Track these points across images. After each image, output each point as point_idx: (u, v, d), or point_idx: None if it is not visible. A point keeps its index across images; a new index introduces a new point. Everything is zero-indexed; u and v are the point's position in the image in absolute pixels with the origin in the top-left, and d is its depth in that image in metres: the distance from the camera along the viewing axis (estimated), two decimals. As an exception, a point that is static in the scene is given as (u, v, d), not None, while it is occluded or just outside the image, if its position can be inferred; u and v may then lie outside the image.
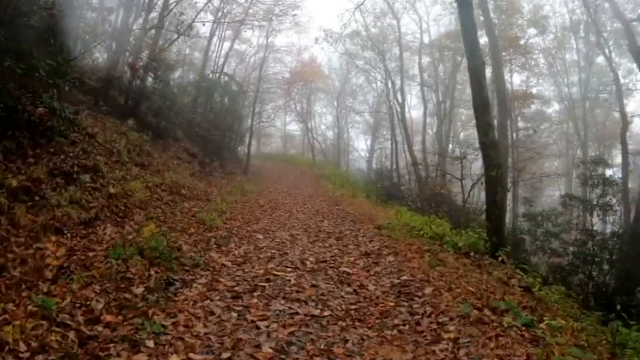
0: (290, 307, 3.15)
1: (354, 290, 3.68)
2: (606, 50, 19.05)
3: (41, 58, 5.66)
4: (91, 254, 4.16)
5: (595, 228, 12.03)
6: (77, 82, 12.43)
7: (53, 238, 4.18)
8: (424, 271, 4.45)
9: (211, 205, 7.83)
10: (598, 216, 11.85)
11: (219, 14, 17.85)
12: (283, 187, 15.29)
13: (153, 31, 14.20)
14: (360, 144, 38.95)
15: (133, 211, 5.86)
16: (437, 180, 16.64)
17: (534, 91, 23.63)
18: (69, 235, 4.49)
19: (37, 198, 4.62)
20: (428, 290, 3.76)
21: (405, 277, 4.12)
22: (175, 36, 14.43)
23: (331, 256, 4.84)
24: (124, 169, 7.39)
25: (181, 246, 4.46)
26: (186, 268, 3.82)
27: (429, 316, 3.18)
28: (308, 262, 4.45)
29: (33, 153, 5.36)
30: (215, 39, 23.76)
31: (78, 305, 2.83)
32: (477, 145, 8.16)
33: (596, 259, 9.27)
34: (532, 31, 21.59)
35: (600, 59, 23.00)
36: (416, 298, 3.58)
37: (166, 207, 6.94)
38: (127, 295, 3.09)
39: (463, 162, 12.51)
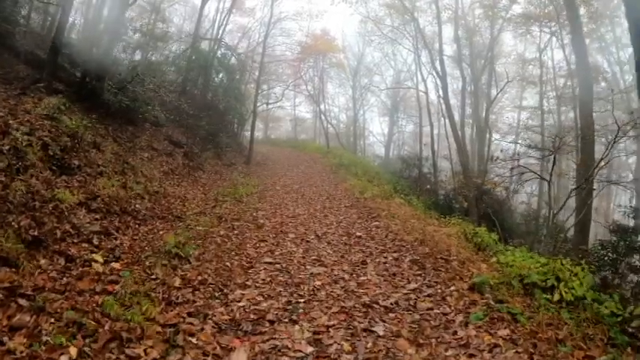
0: None
1: None
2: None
3: None
4: None
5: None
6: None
7: None
8: None
9: (173, 237, 4.60)
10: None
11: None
12: (294, 182, 12.05)
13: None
14: (375, 127, 35.37)
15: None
16: (485, 175, 13.15)
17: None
18: None
19: None
20: None
21: None
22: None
23: None
24: (18, 179, 4.18)
25: None
26: None
27: None
28: None
29: None
30: (212, 10, 20.38)
31: None
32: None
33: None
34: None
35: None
36: None
37: (80, 250, 3.74)
38: None
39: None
